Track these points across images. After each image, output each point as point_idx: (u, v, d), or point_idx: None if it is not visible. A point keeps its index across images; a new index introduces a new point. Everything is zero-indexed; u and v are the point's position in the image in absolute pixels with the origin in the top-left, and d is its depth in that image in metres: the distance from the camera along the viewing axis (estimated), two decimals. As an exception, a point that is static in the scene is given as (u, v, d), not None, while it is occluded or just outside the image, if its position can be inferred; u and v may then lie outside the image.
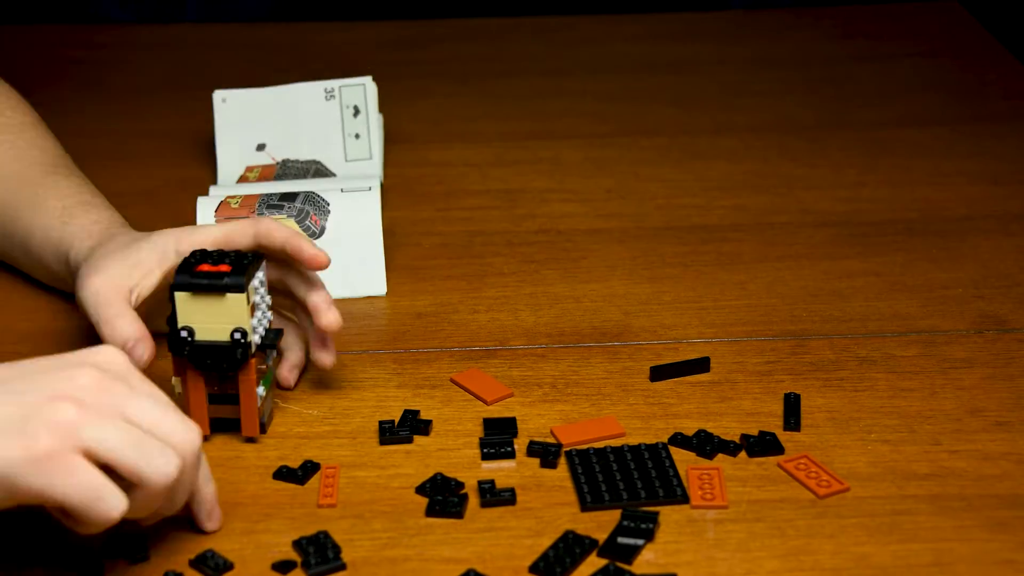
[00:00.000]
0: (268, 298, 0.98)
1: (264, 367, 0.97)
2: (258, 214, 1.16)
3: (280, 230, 0.99)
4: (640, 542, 0.87)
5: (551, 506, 0.91)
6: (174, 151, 1.43)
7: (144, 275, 0.99)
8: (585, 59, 1.71)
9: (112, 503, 0.78)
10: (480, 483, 0.92)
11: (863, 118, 1.53)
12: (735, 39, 1.78)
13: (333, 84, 1.34)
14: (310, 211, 1.17)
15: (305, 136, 1.33)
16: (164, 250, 0.99)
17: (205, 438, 0.96)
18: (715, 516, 0.90)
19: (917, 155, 1.43)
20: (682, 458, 0.95)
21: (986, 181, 1.37)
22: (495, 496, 0.91)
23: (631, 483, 0.92)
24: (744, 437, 0.97)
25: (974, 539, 0.87)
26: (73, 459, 0.78)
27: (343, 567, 0.85)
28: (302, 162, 1.32)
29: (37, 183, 1.11)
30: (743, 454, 0.96)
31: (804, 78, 1.64)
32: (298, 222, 1.16)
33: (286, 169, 1.31)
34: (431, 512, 0.90)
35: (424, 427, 0.99)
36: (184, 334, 0.94)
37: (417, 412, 1.00)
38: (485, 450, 0.96)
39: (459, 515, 0.90)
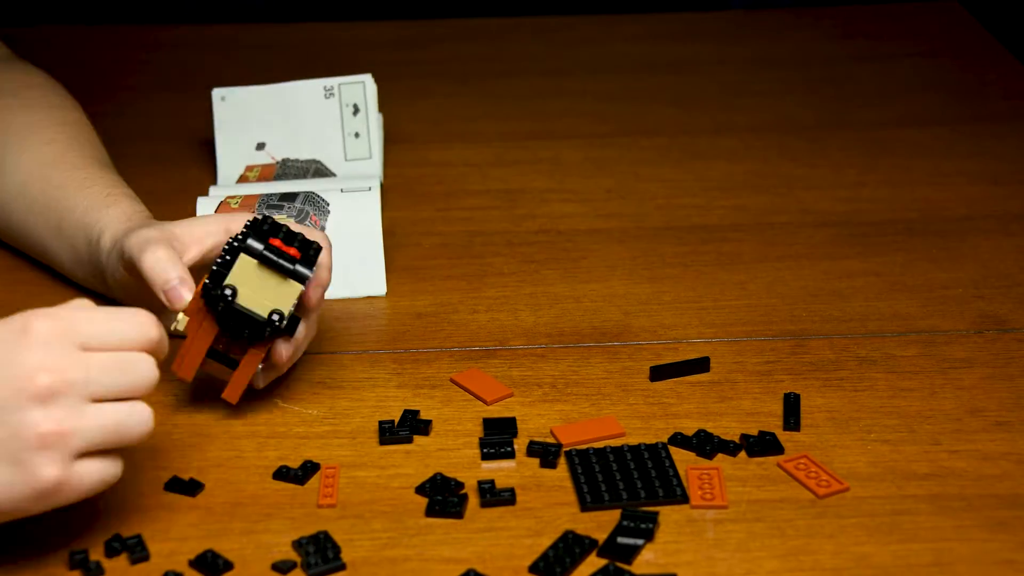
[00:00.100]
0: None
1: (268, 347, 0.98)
2: (258, 214, 1.16)
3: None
4: (640, 542, 0.87)
5: (551, 506, 0.91)
6: (174, 151, 1.43)
7: (183, 251, 1.00)
8: (585, 59, 1.71)
9: (114, 477, 0.84)
10: (480, 483, 0.92)
11: (863, 118, 1.53)
12: (735, 39, 1.78)
13: (332, 82, 1.33)
14: (310, 211, 1.17)
15: (305, 135, 1.33)
16: (206, 231, 1.01)
17: (182, 380, 0.97)
18: (715, 516, 0.90)
19: (917, 155, 1.43)
20: (682, 458, 0.95)
21: (986, 181, 1.37)
22: (495, 496, 0.91)
23: (631, 483, 0.92)
24: (744, 437, 0.97)
25: (974, 539, 0.87)
26: (73, 473, 0.82)
27: (343, 567, 0.85)
28: (302, 161, 1.32)
29: (87, 169, 1.15)
30: (743, 454, 0.96)
31: (804, 78, 1.64)
32: (298, 222, 1.16)
33: (286, 168, 1.31)
34: (431, 512, 0.90)
35: (424, 427, 0.99)
36: (228, 293, 0.94)
37: (417, 412, 1.00)
38: (485, 450, 0.96)
39: (459, 515, 0.90)
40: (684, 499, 0.90)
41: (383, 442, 0.97)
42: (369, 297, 1.17)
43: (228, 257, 0.95)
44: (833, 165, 1.41)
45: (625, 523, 0.88)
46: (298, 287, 0.95)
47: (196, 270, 0.99)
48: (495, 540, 0.88)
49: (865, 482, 0.93)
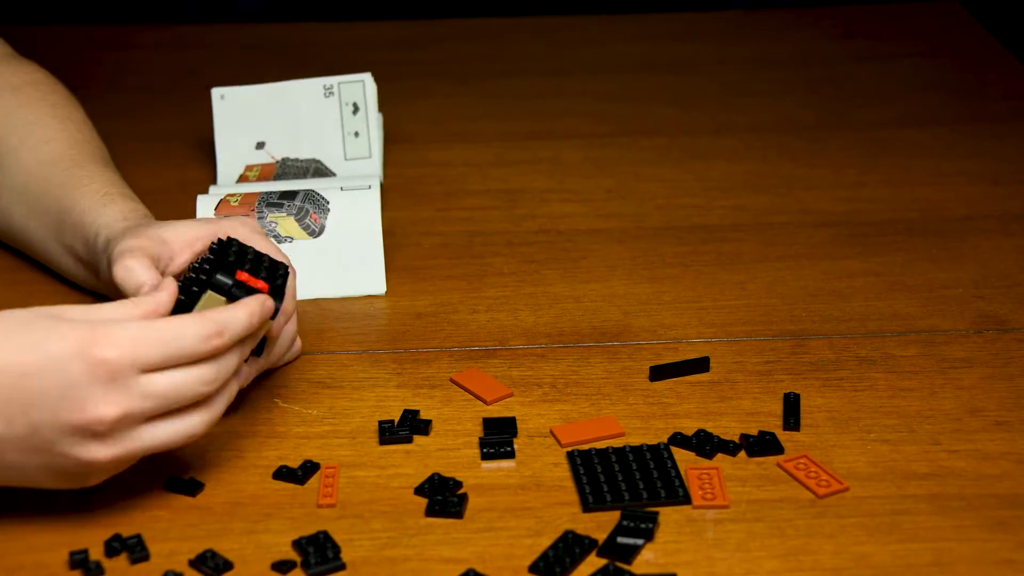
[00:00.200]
0: (278, 304, 0.97)
1: None
2: (258, 213, 1.16)
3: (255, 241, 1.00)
4: (640, 542, 0.87)
5: (551, 506, 0.91)
6: (174, 151, 1.43)
7: (173, 254, 1.00)
8: (585, 59, 1.71)
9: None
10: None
11: (863, 118, 1.53)
12: (735, 39, 1.78)
13: (332, 80, 1.33)
14: (310, 209, 1.17)
15: (304, 134, 1.33)
16: (195, 235, 1.00)
17: None
18: (715, 516, 0.90)
19: (917, 155, 1.43)
20: (682, 458, 0.95)
21: (986, 181, 1.37)
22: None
23: (632, 483, 0.92)
24: (744, 437, 0.97)
25: (974, 539, 0.87)
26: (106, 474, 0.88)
27: (343, 567, 0.85)
28: (302, 161, 1.32)
29: (86, 168, 1.15)
30: (743, 454, 0.96)
31: (804, 78, 1.64)
32: (297, 220, 1.16)
33: (286, 168, 1.31)
34: (431, 512, 0.90)
35: (424, 427, 0.99)
36: None
37: (417, 412, 1.00)
38: (485, 450, 0.96)
39: (459, 515, 0.90)
40: (686, 499, 0.90)
41: (383, 442, 0.97)
42: (369, 297, 1.17)
43: (195, 288, 0.93)
44: (833, 165, 1.41)
45: (625, 523, 0.88)
46: (266, 324, 0.93)
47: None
48: (495, 540, 0.88)
49: (865, 482, 0.93)
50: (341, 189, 1.18)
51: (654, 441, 0.97)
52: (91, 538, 0.88)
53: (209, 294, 0.92)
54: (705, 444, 0.96)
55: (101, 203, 1.09)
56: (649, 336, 1.11)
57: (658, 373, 1.04)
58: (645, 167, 1.41)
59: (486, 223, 1.30)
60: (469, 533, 0.88)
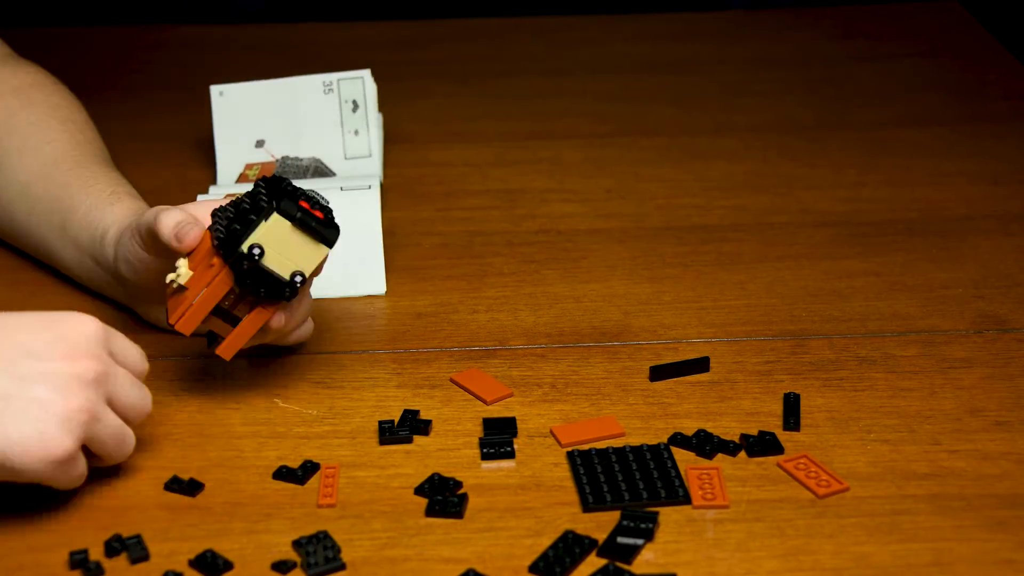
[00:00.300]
0: None
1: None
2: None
3: None
4: (640, 542, 0.87)
5: (551, 506, 0.91)
6: (174, 151, 1.43)
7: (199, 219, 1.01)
8: (585, 59, 1.71)
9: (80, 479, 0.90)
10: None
11: (863, 118, 1.53)
12: (735, 39, 1.78)
13: (331, 77, 1.33)
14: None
15: (304, 132, 1.33)
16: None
17: (178, 334, 0.98)
18: (715, 516, 0.90)
19: (917, 155, 1.43)
20: (682, 458, 0.95)
21: (986, 181, 1.37)
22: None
23: (633, 483, 0.92)
24: (744, 437, 0.97)
25: (974, 539, 0.87)
26: (78, 457, 0.88)
27: (343, 567, 0.85)
28: (301, 159, 1.32)
29: (90, 168, 1.16)
30: (743, 454, 0.96)
31: (804, 78, 1.64)
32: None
33: (285, 166, 1.31)
34: (431, 512, 0.90)
35: (424, 427, 0.99)
36: (257, 252, 0.94)
37: (417, 412, 1.00)
38: (485, 450, 0.96)
39: (459, 515, 0.90)
40: (686, 499, 0.90)
41: (383, 442, 0.97)
42: (369, 297, 1.17)
43: (252, 216, 0.94)
44: (833, 165, 1.41)
45: (625, 523, 0.88)
46: (324, 250, 0.96)
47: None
48: (495, 540, 0.88)
49: (865, 482, 0.93)
50: (341, 189, 1.18)
51: (654, 441, 0.97)
52: (91, 538, 0.88)
53: (274, 219, 0.94)
54: (705, 444, 0.96)
55: (108, 202, 1.10)
56: (649, 336, 1.11)
57: (658, 373, 1.04)
58: (645, 167, 1.41)
59: (486, 223, 1.30)
60: (469, 533, 0.88)
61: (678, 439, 0.97)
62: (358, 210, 1.17)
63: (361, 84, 1.33)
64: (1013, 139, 1.46)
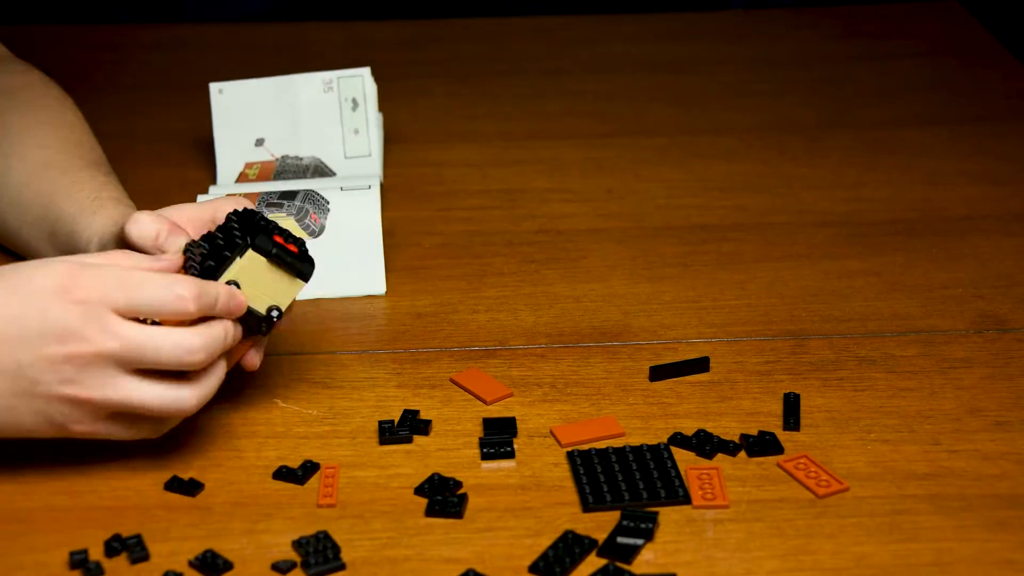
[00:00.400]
0: None
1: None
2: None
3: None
4: (640, 542, 0.87)
5: (551, 506, 0.91)
6: (174, 151, 1.43)
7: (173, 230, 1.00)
8: (585, 59, 1.71)
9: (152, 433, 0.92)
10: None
11: (863, 118, 1.53)
12: (735, 39, 1.78)
13: (331, 75, 1.33)
14: (310, 209, 1.17)
15: (304, 131, 1.33)
16: (195, 214, 1.01)
17: None
18: (714, 516, 0.90)
19: (917, 155, 1.43)
20: (682, 458, 0.95)
21: (986, 181, 1.37)
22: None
23: (632, 483, 0.92)
24: (744, 437, 0.97)
25: (974, 539, 0.87)
26: (101, 428, 0.90)
27: (343, 567, 0.85)
28: (301, 159, 1.32)
29: (76, 174, 1.15)
30: (743, 454, 0.96)
31: (804, 78, 1.64)
32: (298, 220, 1.16)
33: (285, 166, 1.31)
34: (431, 512, 0.90)
35: (424, 427, 0.99)
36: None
37: (417, 412, 1.00)
38: (485, 450, 0.96)
39: (459, 515, 0.90)
40: (686, 499, 0.90)
41: (383, 442, 0.97)
42: (369, 297, 1.17)
43: (226, 252, 0.94)
44: (833, 165, 1.41)
45: (625, 523, 0.88)
46: (300, 284, 0.95)
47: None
48: (495, 540, 0.88)
49: (865, 482, 0.93)
50: (341, 189, 1.18)
51: (654, 441, 0.97)
52: (91, 538, 0.88)
53: (249, 255, 0.93)
54: (705, 444, 0.96)
55: (91, 210, 1.09)
56: (649, 336, 1.11)
57: (658, 373, 1.04)
58: (645, 167, 1.41)
59: (486, 223, 1.30)
60: (469, 533, 0.88)
61: (678, 439, 0.97)
62: (358, 211, 1.17)
63: (361, 82, 1.33)
64: (1013, 139, 1.46)
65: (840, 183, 1.37)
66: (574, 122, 1.53)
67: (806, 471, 0.93)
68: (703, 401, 1.02)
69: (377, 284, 1.17)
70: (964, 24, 1.79)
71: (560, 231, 1.28)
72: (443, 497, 0.91)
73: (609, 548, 0.86)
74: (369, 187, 1.18)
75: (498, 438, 0.97)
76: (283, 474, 0.94)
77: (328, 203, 1.17)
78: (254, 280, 0.94)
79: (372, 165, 1.32)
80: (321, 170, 1.31)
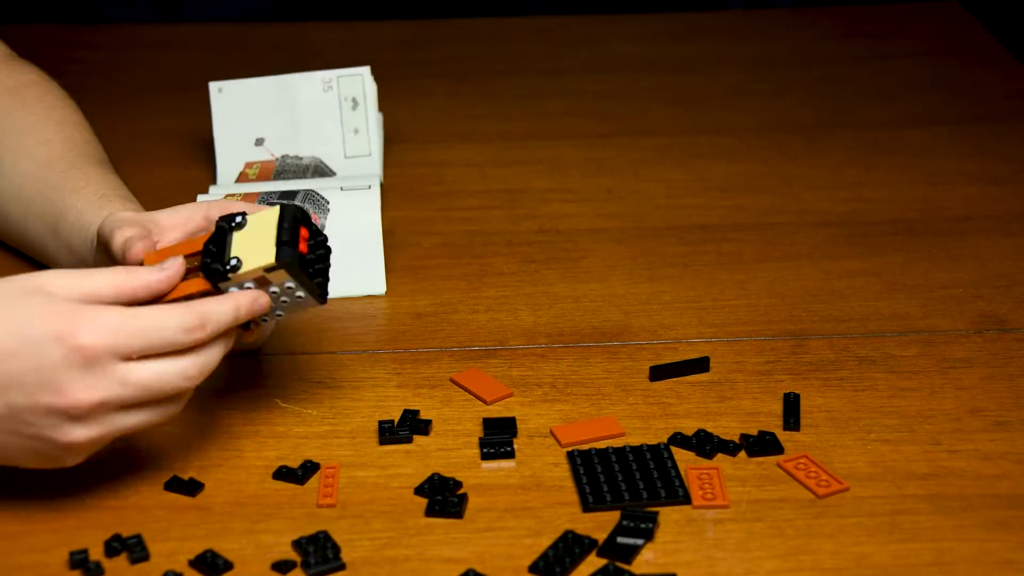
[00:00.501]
0: (283, 302, 0.95)
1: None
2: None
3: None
4: (640, 542, 0.87)
5: (551, 506, 0.91)
6: (174, 151, 1.43)
7: (163, 231, 0.99)
8: (585, 59, 1.71)
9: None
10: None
11: (863, 118, 1.53)
12: (735, 39, 1.78)
13: (331, 74, 1.33)
14: (310, 209, 1.17)
15: (304, 130, 1.33)
16: (189, 215, 1.00)
17: None
18: (715, 516, 0.90)
19: (917, 155, 1.43)
20: (682, 458, 0.95)
21: (986, 181, 1.37)
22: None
23: (632, 483, 0.92)
24: (744, 437, 0.97)
25: (974, 539, 0.87)
26: (88, 453, 0.88)
27: (343, 567, 0.85)
28: (301, 159, 1.32)
29: (83, 169, 1.15)
30: (743, 454, 0.96)
31: (804, 78, 1.64)
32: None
33: (285, 165, 1.31)
34: (431, 512, 0.90)
35: (424, 427, 0.99)
36: (234, 262, 0.90)
37: (417, 412, 1.00)
38: (485, 450, 0.96)
39: (459, 515, 0.90)
40: (686, 499, 0.90)
41: (383, 442, 0.97)
42: (369, 297, 1.17)
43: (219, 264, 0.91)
44: (833, 165, 1.41)
45: (625, 523, 0.88)
46: (282, 274, 0.91)
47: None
48: (495, 540, 0.88)
49: (865, 482, 0.93)
50: (341, 189, 1.18)
51: (654, 441, 0.97)
52: (91, 538, 0.88)
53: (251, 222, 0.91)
54: (705, 444, 0.96)
55: (98, 205, 1.09)
56: (649, 336, 1.11)
57: (658, 373, 1.04)
58: (645, 167, 1.41)
59: (486, 223, 1.30)
60: (469, 533, 0.88)
61: (678, 439, 0.97)
62: (358, 211, 1.17)
63: (360, 81, 1.33)
64: (1013, 139, 1.46)
65: (840, 183, 1.37)
66: (574, 122, 1.53)
67: (806, 471, 0.93)
68: (703, 401, 1.02)
69: (377, 284, 1.17)
70: (964, 24, 1.79)
71: (560, 231, 1.28)
72: (443, 497, 0.91)
73: (609, 548, 0.86)
74: (369, 187, 1.18)
75: (498, 438, 0.97)
76: (283, 474, 0.94)
77: (328, 203, 1.17)
78: (252, 241, 0.91)
79: (372, 165, 1.32)
80: (321, 170, 1.31)
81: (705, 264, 1.22)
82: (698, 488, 0.91)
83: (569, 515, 0.90)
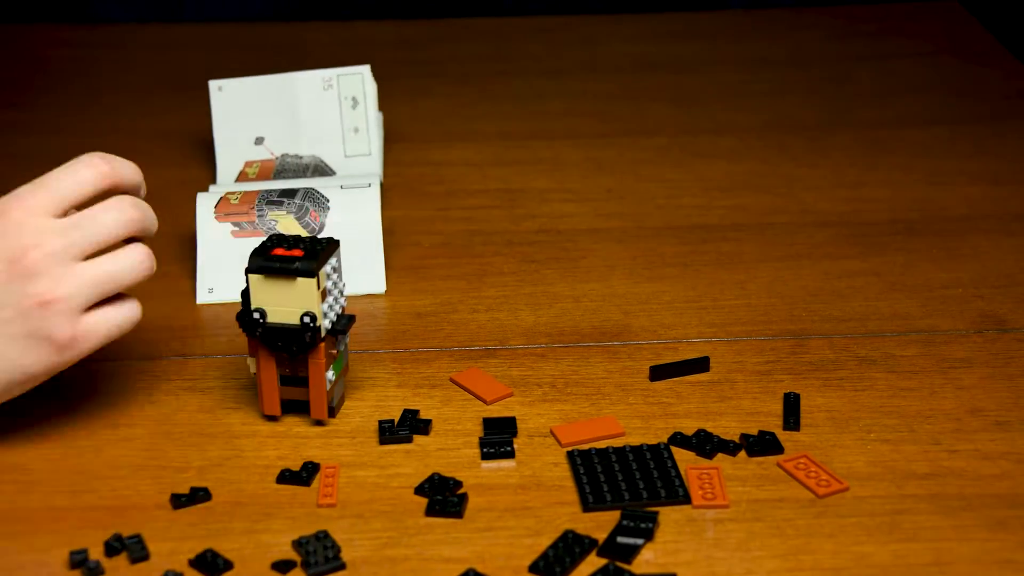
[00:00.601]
0: (342, 284, 0.98)
1: (335, 352, 0.98)
2: (258, 211, 1.16)
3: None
4: (640, 542, 0.87)
5: (551, 506, 0.91)
6: (174, 151, 1.43)
7: None
8: (585, 59, 1.71)
9: (129, 321, 0.94)
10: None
11: (863, 118, 1.53)
12: (735, 39, 1.78)
13: (331, 73, 1.33)
14: (310, 207, 1.17)
15: (303, 129, 1.33)
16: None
17: (275, 418, 0.99)
18: (715, 516, 0.90)
19: (917, 155, 1.43)
20: (682, 458, 0.95)
21: (986, 181, 1.37)
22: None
23: (632, 483, 0.92)
24: (744, 437, 0.97)
25: (974, 539, 0.87)
26: (85, 326, 0.91)
27: (343, 567, 0.85)
28: (301, 158, 1.32)
29: None
30: (743, 454, 0.96)
31: (804, 78, 1.64)
32: (297, 218, 1.16)
33: (285, 164, 1.31)
34: (431, 512, 0.90)
35: (424, 427, 0.99)
36: (256, 316, 0.95)
37: (417, 412, 1.00)
38: (485, 450, 0.96)
39: (459, 515, 0.90)
40: (686, 499, 0.90)
41: (383, 442, 0.97)
42: (369, 296, 1.17)
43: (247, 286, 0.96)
44: (833, 165, 1.41)
45: (625, 523, 0.88)
46: (312, 285, 0.94)
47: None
48: (495, 540, 0.88)
49: (865, 482, 0.93)
50: (341, 187, 1.18)
51: (654, 441, 0.97)
52: (91, 538, 0.88)
53: (252, 279, 0.94)
54: (705, 444, 0.96)
55: None
56: (649, 336, 1.11)
57: (658, 373, 1.04)
58: (645, 167, 1.41)
59: (486, 223, 1.30)
60: (469, 533, 0.88)
61: (678, 439, 0.97)
62: (358, 209, 1.17)
63: (360, 80, 1.33)
64: (1013, 139, 1.46)
65: (840, 183, 1.37)
66: (574, 122, 1.53)
67: (806, 471, 0.93)
68: (703, 401, 1.02)
69: (377, 283, 1.17)
70: (964, 24, 1.79)
71: (560, 231, 1.28)
72: (443, 497, 0.91)
73: (609, 548, 0.86)
74: (369, 185, 1.18)
75: (498, 438, 0.97)
76: (286, 477, 0.94)
77: (328, 201, 1.17)
78: (272, 298, 0.95)
79: (372, 164, 1.32)
80: (321, 169, 1.31)
81: (705, 264, 1.22)
82: (698, 488, 0.91)
83: (569, 515, 0.90)
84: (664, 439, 0.97)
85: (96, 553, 0.86)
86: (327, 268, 0.95)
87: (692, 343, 1.09)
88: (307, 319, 0.94)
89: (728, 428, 0.98)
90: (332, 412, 0.99)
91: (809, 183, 1.37)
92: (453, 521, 0.89)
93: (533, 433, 0.98)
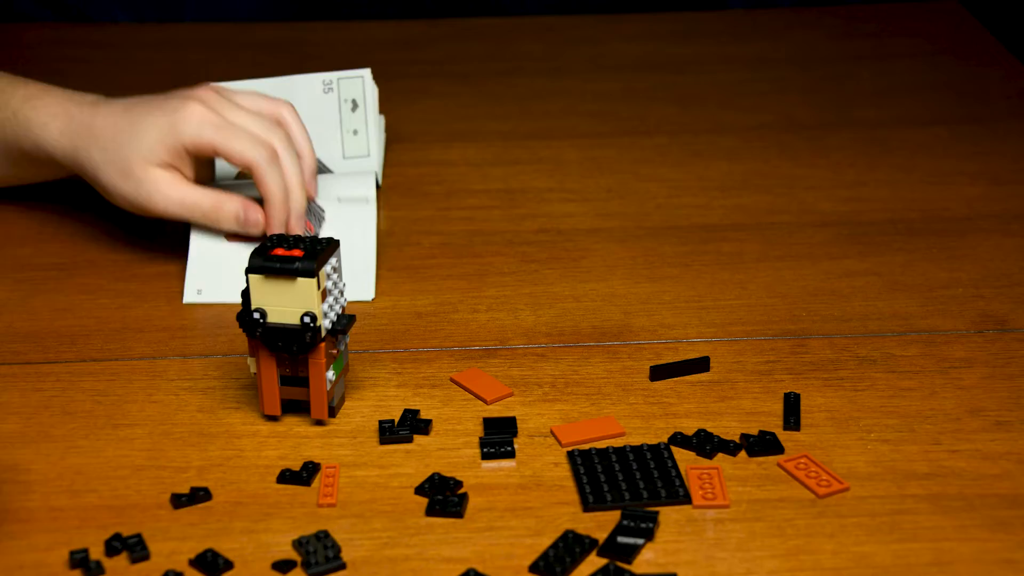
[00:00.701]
0: (342, 284, 0.98)
1: (335, 351, 0.98)
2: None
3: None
4: (640, 541, 0.87)
5: (551, 506, 0.91)
6: (174, 151, 1.43)
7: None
8: (585, 59, 1.71)
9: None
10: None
11: (863, 118, 1.53)
12: (735, 39, 1.78)
13: (331, 76, 1.33)
14: (306, 218, 1.17)
15: (303, 130, 1.33)
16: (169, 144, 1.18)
17: (275, 418, 0.99)
18: (715, 516, 0.90)
19: (917, 155, 1.43)
20: (682, 458, 0.95)
21: (986, 181, 1.37)
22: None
23: (633, 483, 0.92)
24: (744, 437, 0.97)
25: (974, 539, 0.88)
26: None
27: (343, 567, 0.85)
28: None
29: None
30: (743, 454, 0.96)
31: (804, 78, 1.64)
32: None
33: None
34: (431, 511, 0.90)
35: (424, 427, 0.99)
36: (256, 316, 0.95)
37: (417, 412, 1.00)
38: (485, 449, 0.96)
39: (459, 515, 0.90)
40: (686, 499, 0.90)
41: (383, 441, 0.97)
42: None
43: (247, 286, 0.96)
44: (833, 165, 1.41)
45: (625, 522, 0.88)
46: (312, 284, 0.94)
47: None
48: (495, 539, 0.88)
49: (865, 482, 0.93)
50: (339, 200, 1.18)
51: (654, 441, 0.97)
52: (91, 538, 0.88)
53: (252, 279, 0.94)
54: (705, 444, 0.96)
55: (37, 95, 1.21)
56: (649, 336, 1.11)
57: (658, 373, 1.04)
58: (645, 167, 1.41)
59: (486, 223, 1.30)
60: (469, 533, 0.89)
61: (678, 439, 0.97)
62: (353, 225, 1.17)
63: (361, 83, 1.33)
64: (1013, 139, 1.46)
65: (840, 183, 1.37)
66: (574, 122, 1.53)
67: (806, 471, 0.93)
68: (703, 401, 1.02)
69: (366, 291, 1.16)
70: (964, 24, 1.79)
71: (560, 231, 1.28)
72: (443, 497, 0.91)
73: (609, 548, 0.86)
74: (367, 201, 1.18)
75: (498, 438, 0.97)
76: (287, 477, 0.94)
77: (323, 211, 1.17)
78: (272, 298, 0.95)
79: (371, 165, 1.32)
80: (319, 169, 1.31)
81: (705, 264, 1.22)
82: (698, 488, 0.91)
83: (569, 515, 0.90)
84: (664, 439, 0.97)
85: (96, 553, 0.86)
86: (327, 268, 0.95)
87: (692, 343, 1.09)
88: (307, 319, 0.94)
89: (728, 428, 0.98)
90: (332, 412, 0.99)
91: (809, 183, 1.37)
92: (453, 521, 0.89)
93: (533, 433, 0.98)
